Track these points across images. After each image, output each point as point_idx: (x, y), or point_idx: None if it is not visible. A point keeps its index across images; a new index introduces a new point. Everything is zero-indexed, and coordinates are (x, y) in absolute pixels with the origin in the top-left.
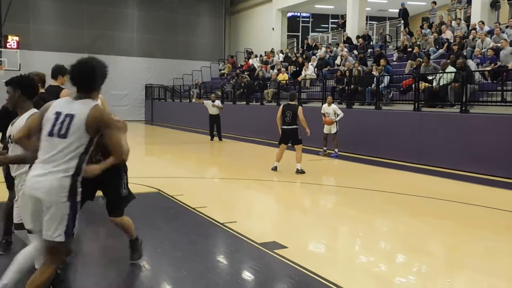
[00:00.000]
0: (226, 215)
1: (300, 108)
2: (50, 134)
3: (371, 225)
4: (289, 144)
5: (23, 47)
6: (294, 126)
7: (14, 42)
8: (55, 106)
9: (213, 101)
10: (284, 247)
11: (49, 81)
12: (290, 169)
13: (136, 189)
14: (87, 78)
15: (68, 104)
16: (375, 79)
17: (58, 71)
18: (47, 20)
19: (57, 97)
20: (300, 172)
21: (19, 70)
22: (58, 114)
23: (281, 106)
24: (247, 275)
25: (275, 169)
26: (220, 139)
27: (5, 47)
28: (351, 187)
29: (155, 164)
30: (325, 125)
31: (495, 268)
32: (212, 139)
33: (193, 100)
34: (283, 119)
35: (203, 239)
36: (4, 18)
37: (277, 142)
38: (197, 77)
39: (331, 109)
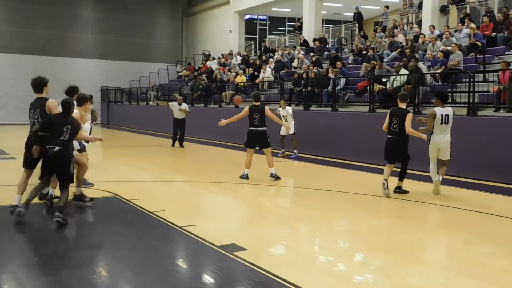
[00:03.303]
0: (185, 218)
1: (266, 107)
2: None
3: (330, 224)
4: (256, 148)
5: None
6: (264, 128)
7: None
8: None
9: (180, 104)
10: (244, 249)
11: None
12: (254, 173)
13: (93, 194)
14: None
15: None
16: (331, 81)
17: (44, 83)
18: (1, 21)
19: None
20: (275, 177)
21: None
22: None
23: (247, 108)
24: (207, 278)
25: (246, 177)
26: (181, 145)
27: None
28: (310, 188)
29: (111, 168)
30: (282, 127)
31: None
32: (173, 145)
33: (152, 102)
34: (251, 122)
35: (162, 243)
36: None
37: (237, 144)
38: (154, 79)
39: (286, 112)
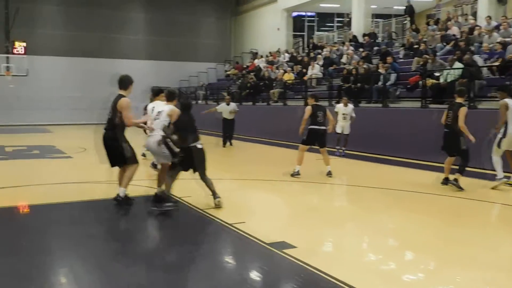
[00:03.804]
0: (234, 215)
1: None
2: None
3: (380, 222)
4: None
5: (30, 53)
6: (325, 127)
7: (21, 48)
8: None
9: (228, 104)
10: (293, 246)
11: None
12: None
13: (143, 191)
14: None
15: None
16: (381, 76)
17: (130, 81)
18: (54, 25)
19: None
20: (331, 175)
21: (27, 75)
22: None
23: (310, 107)
24: (257, 275)
25: (297, 173)
26: (230, 143)
27: (13, 53)
28: (360, 186)
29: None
30: (338, 124)
31: None
32: (224, 145)
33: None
34: (314, 120)
35: (211, 239)
36: (12, 24)
37: (284, 142)
38: (203, 78)
39: (350, 109)
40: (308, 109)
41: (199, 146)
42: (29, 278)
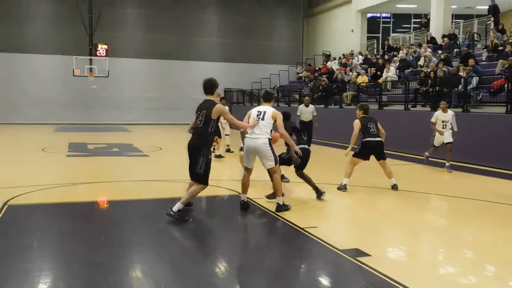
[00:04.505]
0: (307, 220)
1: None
2: None
3: (460, 234)
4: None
5: (111, 55)
6: (380, 139)
7: (103, 50)
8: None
9: (307, 105)
10: (367, 254)
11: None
12: (374, 177)
13: (216, 192)
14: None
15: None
16: (462, 80)
17: (216, 85)
18: (132, 28)
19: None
20: (397, 188)
21: (107, 76)
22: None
23: (359, 120)
24: (328, 281)
25: (344, 188)
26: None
27: (96, 55)
28: (438, 194)
29: (234, 167)
30: (438, 136)
31: None
32: None
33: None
34: (367, 131)
35: (282, 243)
36: (95, 27)
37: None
38: (275, 80)
39: (450, 116)
40: (357, 123)
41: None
42: (110, 270)
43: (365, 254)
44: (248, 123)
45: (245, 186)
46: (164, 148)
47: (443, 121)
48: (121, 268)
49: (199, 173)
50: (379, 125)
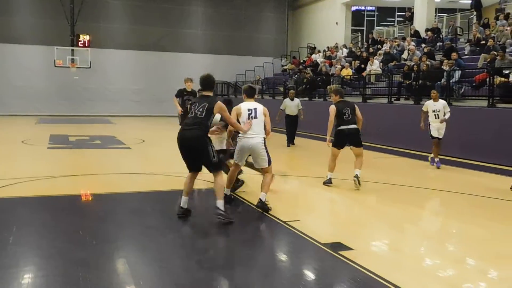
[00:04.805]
0: (289, 213)
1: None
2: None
3: (443, 227)
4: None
5: (94, 46)
6: (355, 126)
7: (85, 41)
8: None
9: (292, 99)
10: (350, 248)
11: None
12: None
13: (201, 186)
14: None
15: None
16: (445, 73)
17: (214, 82)
18: (116, 19)
19: None
20: (358, 181)
21: (90, 67)
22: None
23: (335, 106)
24: (310, 276)
25: (329, 182)
26: (292, 142)
27: (77, 45)
28: (424, 188)
29: None
30: (432, 126)
31: None
32: (289, 145)
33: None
34: (341, 118)
35: (265, 237)
36: (76, 18)
37: None
38: (260, 73)
39: (441, 105)
40: (332, 109)
41: None
42: (89, 266)
43: (348, 248)
44: (237, 120)
45: (231, 180)
46: (147, 141)
47: (433, 111)
48: (102, 264)
49: (214, 161)
50: (357, 110)
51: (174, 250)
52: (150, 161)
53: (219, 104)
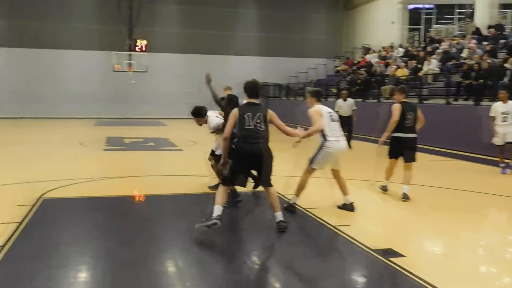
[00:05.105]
0: (339, 217)
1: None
2: None
3: (501, 234)
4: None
5: (150, 50)
6: (415, 135)
7: (142, 46)
8: None
9: (345, 99)
10: (401, 255)
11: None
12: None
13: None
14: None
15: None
16: (508, 72)
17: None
18: (171, 24)
19: None
20: (406, 198)
21: (146, 71)
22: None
23: (398, 105)
24: (359, 283)
25: (385, 189)
26: (349, 146)
27: (135, 50)
28: (479, 192)
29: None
30: (499, 132)
31: None
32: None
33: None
34: (401, 123)
35: (313, 241)
36: (134, 23)
37: None
38: (312, 74)
39: (511, 107)
40: (397, 108)
41: None
42: (136, 266)
43: (399, 255)
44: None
45: (302, 187)
46: (199, 143)
47: (503, 113)
48: (149, 264)
49: (270, 176)
50: (419, 113)
51: (221, 252)
52: (201, 163)
53: (271, 112)
